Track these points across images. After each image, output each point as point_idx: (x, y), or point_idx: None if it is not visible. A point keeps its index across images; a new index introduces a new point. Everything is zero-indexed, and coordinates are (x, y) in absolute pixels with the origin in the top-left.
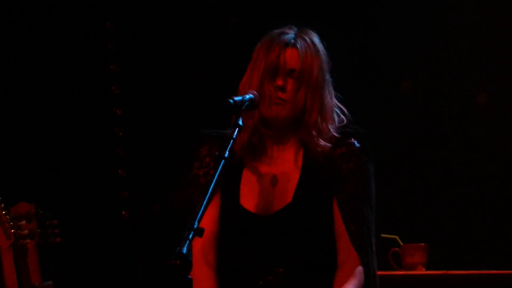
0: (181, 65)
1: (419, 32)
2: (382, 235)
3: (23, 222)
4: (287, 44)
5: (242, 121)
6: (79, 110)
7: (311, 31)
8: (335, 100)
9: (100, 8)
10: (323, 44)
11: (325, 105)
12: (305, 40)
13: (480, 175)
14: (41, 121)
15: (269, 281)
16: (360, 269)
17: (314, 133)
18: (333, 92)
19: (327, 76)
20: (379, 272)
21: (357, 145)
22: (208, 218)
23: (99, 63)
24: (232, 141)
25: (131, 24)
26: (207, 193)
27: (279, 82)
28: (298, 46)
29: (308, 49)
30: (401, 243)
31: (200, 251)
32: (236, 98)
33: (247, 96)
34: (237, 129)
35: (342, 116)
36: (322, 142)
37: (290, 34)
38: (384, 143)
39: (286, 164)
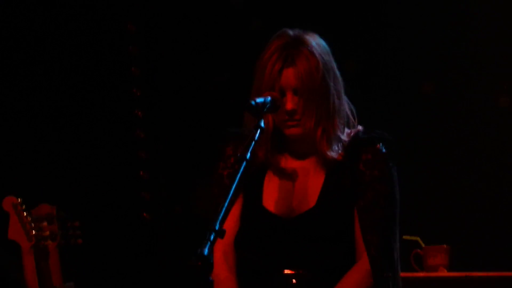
0: (205, 68)
1: (439, 34)
2: (404, 236)
3: (45, 223)
4: (284, 64)
5: (264, 123)
6: (100, 112)
7: (307, 35)
8: (344, 100)
9: (122, 10)
10: (325, 42)
11: (332, 110)
12: (300, 51)
13: (502, 177)
14: (62, 124)
15: (292, 284)
16: (367, 270)
17: (324, 142)
18: (341, 91)
19: (332, 78)
20: (400, 274)
21: (384, 151)
22: (231, 220)
23: (120, 66)
24: (254, 143)
25: (152, 26)
26: (229, 194)
27: (289, 106)
28: (295, 63)
29: (305, 62)
30: (423, 245)
31: (222, 252)
32: (258, 100)
33: (269, 98)
34: (259, 130)
35: (351, 116)
36: (334, 150)
37: (286, 49)
38: (405, 145)
39: (310, 167)
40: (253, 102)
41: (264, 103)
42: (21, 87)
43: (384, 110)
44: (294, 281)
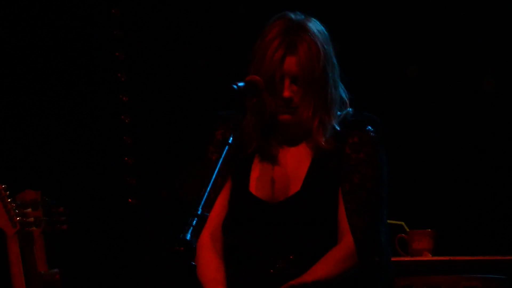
0: (203, 61)
1: (424, 17)
2: (389, 221)
3: (29, 209)
4: (286, 51)
5: (251, 106)
6: (85, 97)
7: (309, 21)
8: (340, 89)
9: None
10: (324, 27)
11: (329, 101)
12: (303, 39)
13: (487, 161)
14: (48, 109)
15: (278, 268)
16: (350, 250)
17: (320, 132)
18: (338, 80)
19: (331, 68)
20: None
21: (371, 134)
22: (220, 204)
23: (106, 51)
24: (238, 127)
25: (137, 12)
26: (211, 179)
27: (286, 94)
28: (296, 52)
29: (307, 51)
30: (408, 229)
31: (209, 237)
32: (240, 84)
33: (251, 82)
34: (241, 115)
35: (346, 101)
36: (326, 137)
37: (289, 36)
38: (390, 128)
39: (297, 152)
40: (235, 86)
41: (246, 87)
42: (3, 74)
43: (371, 93)
44: (279, 265)
